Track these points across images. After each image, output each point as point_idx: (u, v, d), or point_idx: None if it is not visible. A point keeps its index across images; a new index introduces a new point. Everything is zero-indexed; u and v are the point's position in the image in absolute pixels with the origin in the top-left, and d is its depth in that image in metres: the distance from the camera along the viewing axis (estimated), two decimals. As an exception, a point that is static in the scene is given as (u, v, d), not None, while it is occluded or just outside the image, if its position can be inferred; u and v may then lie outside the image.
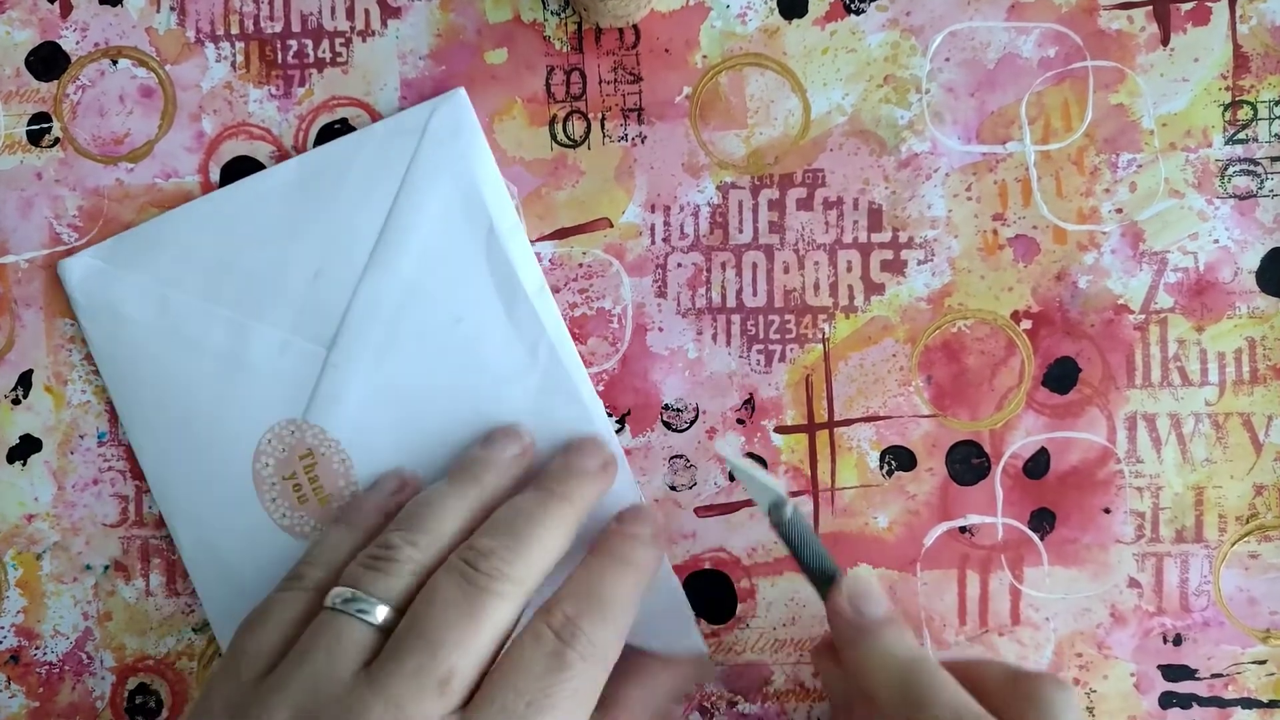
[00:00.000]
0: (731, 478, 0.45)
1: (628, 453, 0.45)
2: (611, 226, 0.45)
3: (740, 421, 0.45)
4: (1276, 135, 0.44)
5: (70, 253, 0.45)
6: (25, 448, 0.46)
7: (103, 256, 0.45)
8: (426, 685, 0.34)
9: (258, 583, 0.44)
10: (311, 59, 0.45)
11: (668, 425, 0.45)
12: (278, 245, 0.44)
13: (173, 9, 0.45)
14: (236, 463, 0.44)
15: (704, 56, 0.45)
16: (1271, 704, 0.44)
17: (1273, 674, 0.44)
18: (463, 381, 0.44)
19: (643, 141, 0.45)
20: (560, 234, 0.45)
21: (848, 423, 0.44)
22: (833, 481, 0.44)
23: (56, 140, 0.46)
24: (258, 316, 0.44)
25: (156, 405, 0.44)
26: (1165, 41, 0.44)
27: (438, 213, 0.44)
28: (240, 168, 0.45)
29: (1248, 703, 0.44)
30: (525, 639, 0.36)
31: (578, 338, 0.45)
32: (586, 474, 0.41)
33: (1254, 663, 0.44)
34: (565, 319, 0.45)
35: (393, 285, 0.44)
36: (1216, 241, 0.44)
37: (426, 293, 0.44)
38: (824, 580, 0.40)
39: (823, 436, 0.45)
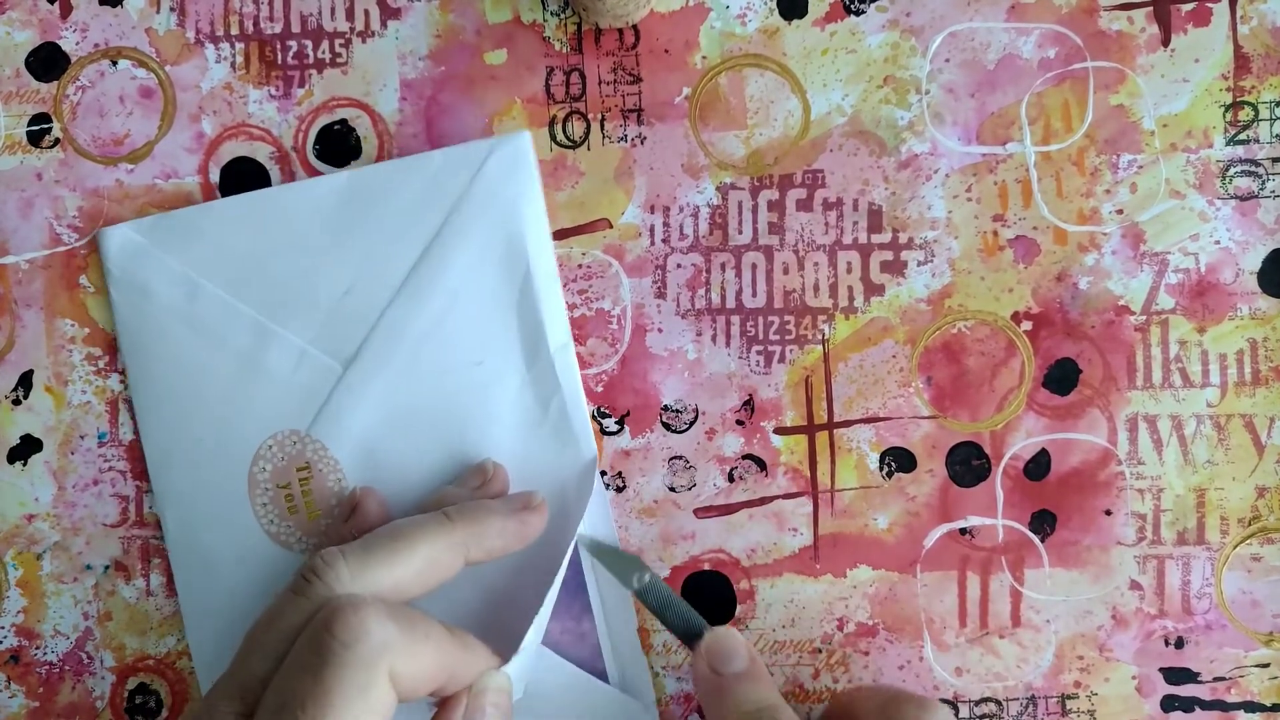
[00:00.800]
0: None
1: (626, 454, 0.45)
2: (611, 227, 0.45)
3: (739, 423, 0.44)
4: (1278, 136, 0.43)
5: (71, 254, 0.46)
6: (26, 448, 0.46)
7: (142, 232, 0.45)
8: (229, 691, 0.35)
9: (233, 579, 0.44)
10: (311, 60, 0.45)
11: (667, 426, 0.45)
12: (314, 255, 0.44)
13: (172, 10, 0.45)
14: (235, 461, 0.44)
15: (703, 57, 0.45)
16: (1275, 708, 0.44)
17: (1276, 677, 0.44)
18: (471, 423, 0.44)
19: (642, 142, 0.45)
20: (560, 234, 0.45)
21: (847, 424, 0.44)
22: (832, 483, 0.44)
23: (56, 141, 0.46)
24: (282, 322, 0.44)
25: (169, 388, 0.44)
26: (1166, 42, 0.44)
27: (477, 251, 0.44)
28: (240, 168, 0.45)
29: (1250, 706, 0.44)
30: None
31: (577, 339, 0.45)
32: (490, 509, 0.41)
33: (1257, 666, 0.44)
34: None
35: (420, 315, 0.44)
36: (1218, 242, 0.44)
37: (452, 329, 0.44)
38: (693, 638, 0.41)
39: (822, 438, 0.44)
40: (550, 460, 0.44)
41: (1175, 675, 0.44)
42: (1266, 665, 0.44)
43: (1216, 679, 0.44)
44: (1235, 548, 0.44)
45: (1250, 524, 0.44)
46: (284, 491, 0.44)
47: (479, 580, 0.42)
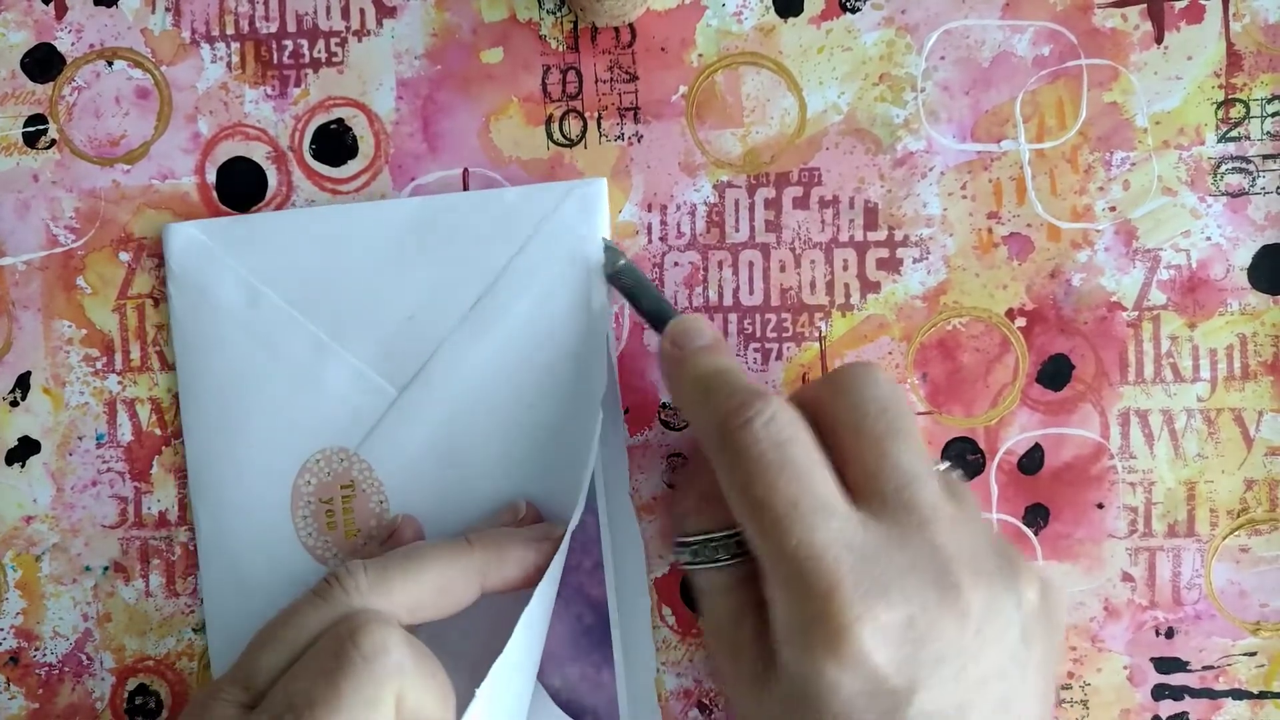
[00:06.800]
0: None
1: (625, 452, 0.45)
2: (608, 226, 0.45)
3: (737, 419, 0.45)
4: (1268, 133, 0.44)
5: (68, 255, 0.45)
6: (24, 449, 0.46)
7: (209, 233, 0.44)
8: (235, 680, 0.36)
9: (262, 588, 0.44)
10: (307, 59, 0.45)
11: (665, 424, 0.45)
12: (381, 278, 0.44)
13: (168, 10, 0.45)
14: (280, 471, 0.44)
15: (700, 55, 0.45)
16: (1262, 695, 0.44)
17: (1263, 666, 0.44)
18: (514, 465, 0.44)
19: (639, 140, 0.45)
20: (557, 233, 0.45)
21: (844, 420, 0.45)
22: (829, 478, 0.45)
23: (53, 142, 0.45)
24: (341, 340, 0.44)
25: (220, 393, 0.44)
26: (1159, 40, 0.44)
27: (542, 293, 0.43)
28: (237, 168, 0.45)
29: (1238, 694, 0.44)
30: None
31: (575, 337, 0.45)
32: (511, 536, 0.41)
33: (1244, 654, 0.44)
34: (563, 318, 0.45)
35: (478, 350, 0.43)
36: (1209, 239, 0.44)
37: (509, 368, 0.43)
38: (661, 324, 0.42)
39: (819, 434, 0.45)
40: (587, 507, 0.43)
41: (1166, 665, 0.45)
42: (1254, 654, 0.44)
43: (1205, 667, 0.45)
44: (1224, 539, 0.44)
45: (1239, 516, 0.44)
46: (325, 507, 0.44)
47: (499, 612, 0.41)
